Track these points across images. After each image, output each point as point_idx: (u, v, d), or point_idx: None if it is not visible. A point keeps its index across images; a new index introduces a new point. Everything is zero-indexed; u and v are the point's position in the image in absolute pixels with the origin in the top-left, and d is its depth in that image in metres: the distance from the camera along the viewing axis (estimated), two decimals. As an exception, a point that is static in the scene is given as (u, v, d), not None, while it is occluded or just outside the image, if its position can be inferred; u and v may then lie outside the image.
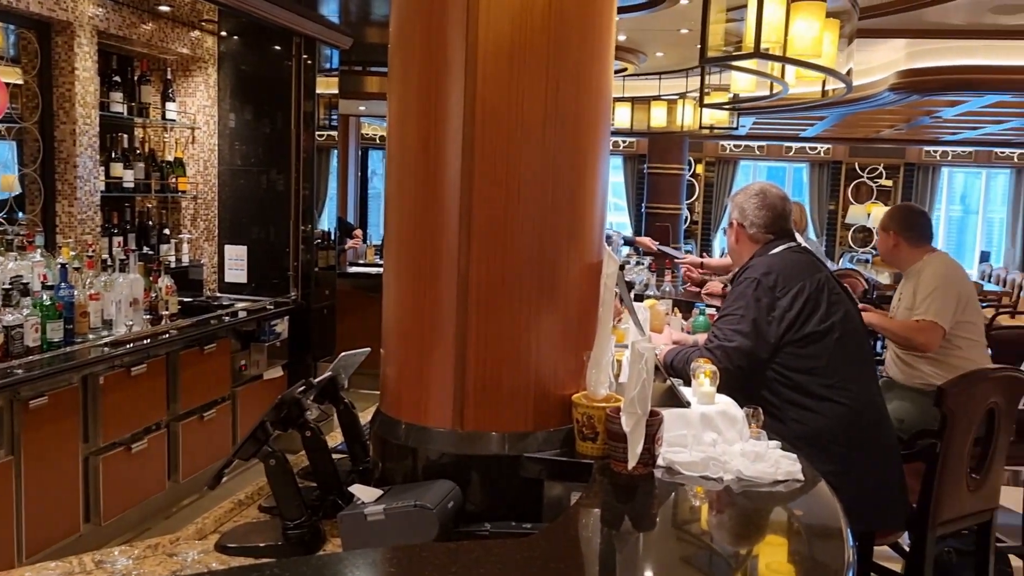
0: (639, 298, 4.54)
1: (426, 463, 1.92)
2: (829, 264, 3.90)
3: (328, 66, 5.73)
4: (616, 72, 7.71)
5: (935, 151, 14.15)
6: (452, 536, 1.74)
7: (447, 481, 1.84)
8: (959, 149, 14.03)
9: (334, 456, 2.06)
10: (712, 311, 3.89)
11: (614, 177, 14.97)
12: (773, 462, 1.89)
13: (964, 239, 14.88)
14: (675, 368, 2.69)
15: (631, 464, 1.79)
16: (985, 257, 14.00)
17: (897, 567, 3.43)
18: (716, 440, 1.97)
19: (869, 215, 13.73)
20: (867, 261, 12.60)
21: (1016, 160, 14.04)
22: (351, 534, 1.72)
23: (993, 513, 3.10)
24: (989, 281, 11.04)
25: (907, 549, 3.15)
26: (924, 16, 5.74)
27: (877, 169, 14.48)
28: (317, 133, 5.63)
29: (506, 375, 1.91)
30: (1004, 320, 8.66)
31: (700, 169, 14.90)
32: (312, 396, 2.06)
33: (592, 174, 1.97)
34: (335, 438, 2.39)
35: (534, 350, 1.92)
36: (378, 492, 1.80)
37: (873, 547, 3.07)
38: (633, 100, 8.02)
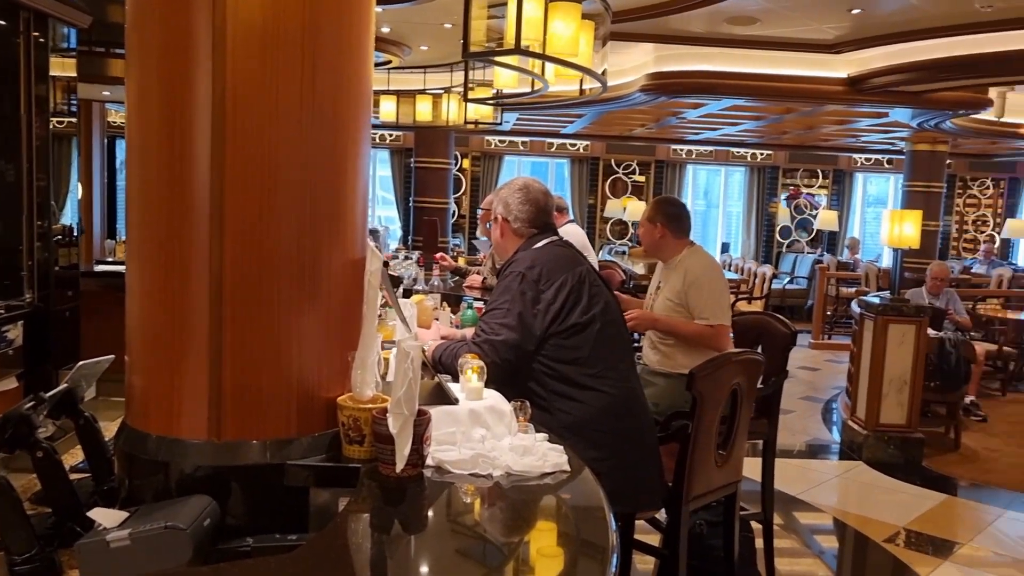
0: (407, 293, 4.51)
1: (180, 478, 1.77)
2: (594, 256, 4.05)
3: (65, 46, 5.23)
4: (380, 65, 7.64)
5: (681, 149, 15.25)
6: (210, 556, 1.62)
7: (203, 496, 1.71)
8: (702, 148, 15.20)
9: (75, 476, 1.86)
10: (480, 304, 3.93)
11: (381, 171, 14.86)
12: (541, 455, 1.92)
13: (707, 231, 16.16)
14: (443, 364, 2.69)
15: (399, 466, 1.74)
16: (726, 248, 15.28)
17: (655, 541, 3.64)
18: (485, 436, 1.97)
19: (625, 209, 14.53)
20: (624, 252, 13.35)
21: (750, 159, 15.42)
22: (92, 565, 1.55)
23: (738, 485, 3.36)
24: (730, 270, 12.05)
25: (663, 524, 3.35)
26: (669, 23, 6.13)
27: (631, 166, 15.37)
28: (56, 120, 5.12)
29: (266, 379, 1.81)
30: (743, 306, 9.49)
31: (467, 164, 15.13)
32: (45, 411, 1.84)
33: (353, 167, 1.90)
34: (77, 455, 2.17)
35: (296, 352, 1.83)
36: (123, 515, 1.63)
37: (634, 524, 3.23)
38: (399, 93, 7.97)
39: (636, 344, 4.10)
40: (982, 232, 15.78)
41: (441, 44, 7.25)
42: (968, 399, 7.28)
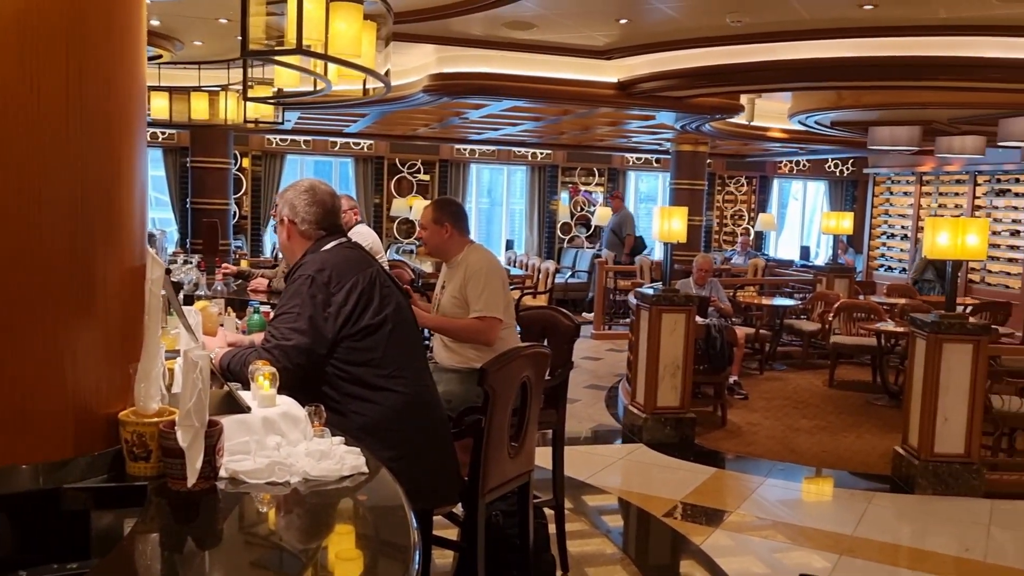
0: (188, 300, 4.31)
1: (-64, 513, 1.62)
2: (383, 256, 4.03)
3: None
4: (151, 59, 7.20)
5: (465, 149, 15.51)
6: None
7: (-36, 531, 1.57)
8: (484, 148, 15.54)
9: None
10: (267, 309, 3.83)
11: (155, 171, 14.00)
12: (338, 458, 1.91)
13: (492, 229, 16.55)
14: (232, 372, 2.60)
15: (191, 480, 1.68)
16: (510, 245, 15.72)
17: (454, 535, 3.71)
18: (280, 443, 1.94)
19: (411, 208, 14.59)
20: (412, 252, 13.39)
21: (530, 158, 15.94)
22: None
23: (531, 475, 3.49)
24: (515, 266, 12.41)
25: (460, 517, 3.42)
26: (450, 25, 6.23)
27: (416, 165, 15.44)
28: None
29: (39, 398, 1.68)
30: (528, 301, 9.80)
31: (247, 163, 14.60)
32: None
33: (128, 170, 1.81)
34: None
35: (70, 367, 1.71)
36: None
37: (432, 521, 3.27)
38: (171, 90, 7.56)
39: (426, 342, 4.14)
40: (739, 226, 17.22)
41: (217, 40, 6.96)
42: (732, 379, 7.92)
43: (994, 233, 12.50)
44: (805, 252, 15.61)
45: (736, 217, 17.30)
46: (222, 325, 3.67)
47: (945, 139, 8.75)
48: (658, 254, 13.92)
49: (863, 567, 4.51)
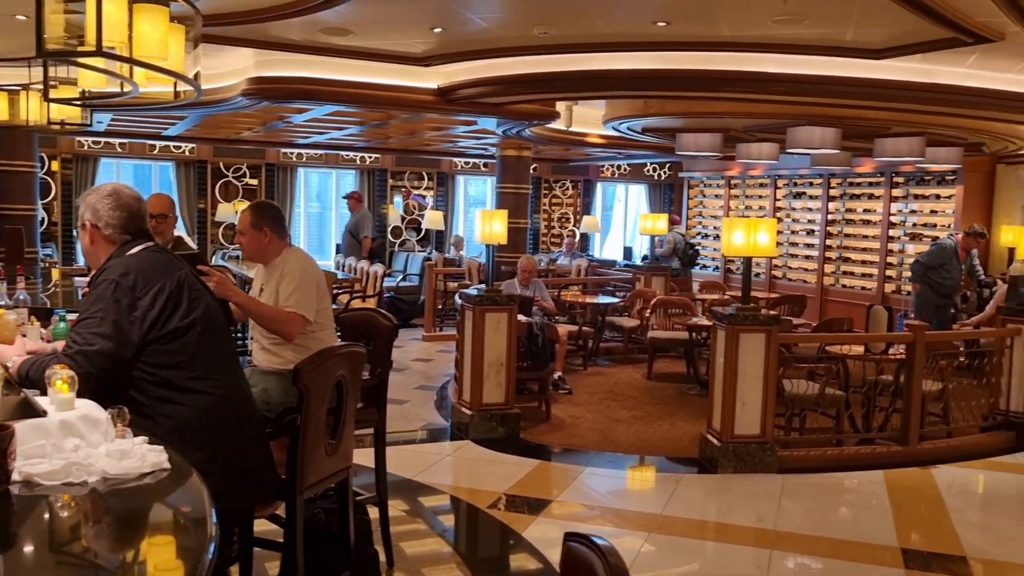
0: (-14, 310, 4.10)
1: None
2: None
3: None
4: (-62, 56, 6.73)
5: (292, 153, 15.26)
6: None
7: None
8: (312, 152, 15.35)
9: None
10: (74, 316, 3.72)
11: (-52, 176, 12.98)
12: (139, 456, 1.95)
13: (323, 233, 16.36)
14: (31, 379, 2.55)
15: (-19, 484, 1.68)
16: (339, 249, 15.57)
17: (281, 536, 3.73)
18: (79, 445, 1.95)
19: (237, 213, 14.21)
20: (238, 257, 13.05)
21: (359, 162, 15.88)
22: None
23: (349, 471, 3.57)
24: (343, 270, 12.34)
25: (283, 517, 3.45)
26: (268, 29, 6.19)
27: (241, 169, 15.06)
28: None
29: None
30: (357, 303, 9.80)
31: (56, 166, 13.78)
32: None
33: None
34: None
35: None
36: None
37: (253, 522, 3.29)
38: (-35, 89, 7.08)
39: (242, 346, 4.14)
40: (565, 228, 17.82)
41: (15, 37, 6.58)
42: (556, 375, 8.25)
43: (793, 232, 13.59)
44: (628, 252, 16.34)
45: (562, 219, 17.90)
46: (24, 335, 3.54)
47: (744, 146, 9.45)
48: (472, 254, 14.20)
49: (670, 542, 4.86)
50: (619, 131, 9.58)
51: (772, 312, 6.96)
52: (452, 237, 15.79)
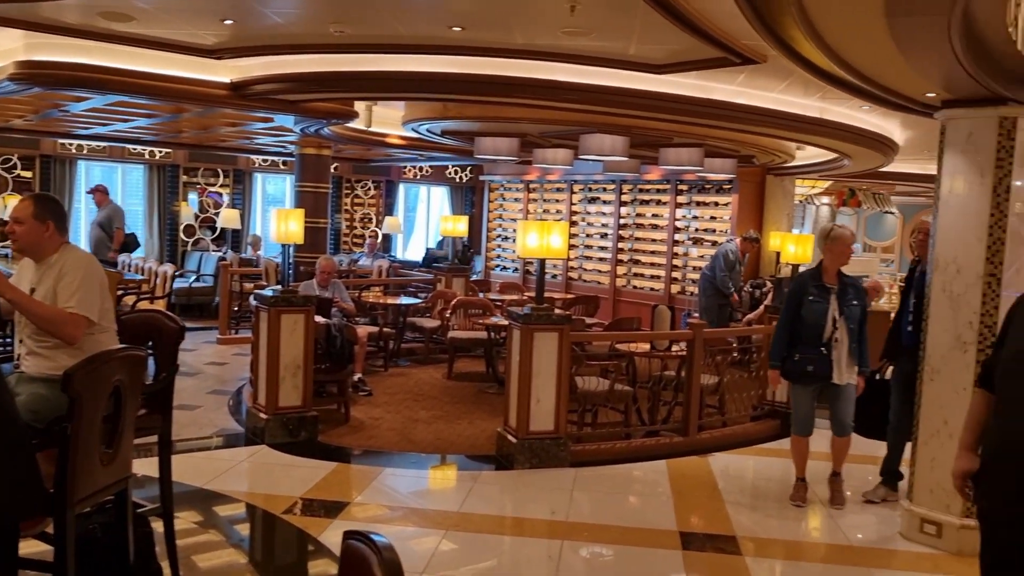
0: None
1: None
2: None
3: None
4: None
5: (71, 144, 14.19)
6: None
7: None
8: (94, 144, 14.33)
9: None
10: None
11: None
12: None
13: (106, 232, 15.32)
14: None
15: None
16: (126, 247, 14.65)
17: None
18: None
19: (7, 207, 13.04)
20: (8, 256, 12.00)
21: (148, 157, 15.01)
22: None
23: (128, 482, 3.38)
24: (130, 270, 11.63)
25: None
26: (40, 10, 5.73)
27: (12, 159, 13.87)
28: None
29: None
30: (145, 305, 9.28)
31: None
32: None
33: None
34: None
35: None
36: None
37: (17, 541, 3.05)
38: None
39: (7, 353, 3.83)
40: (367, 228, 17.69)
41: None
42: (356, 376, 8.18)
43: (588, 235, 14.18)
44: (429, 254, 16.45)
45: (364, 220, 17.75)
46: None
47: (541, 151, 9.76)
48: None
49: (468, 539, 4.95)
50: (419, 133, 9.63)
51: (565, 312, 7.23)
52: (249, 236, 15.28)
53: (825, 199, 17.52)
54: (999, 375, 2.82)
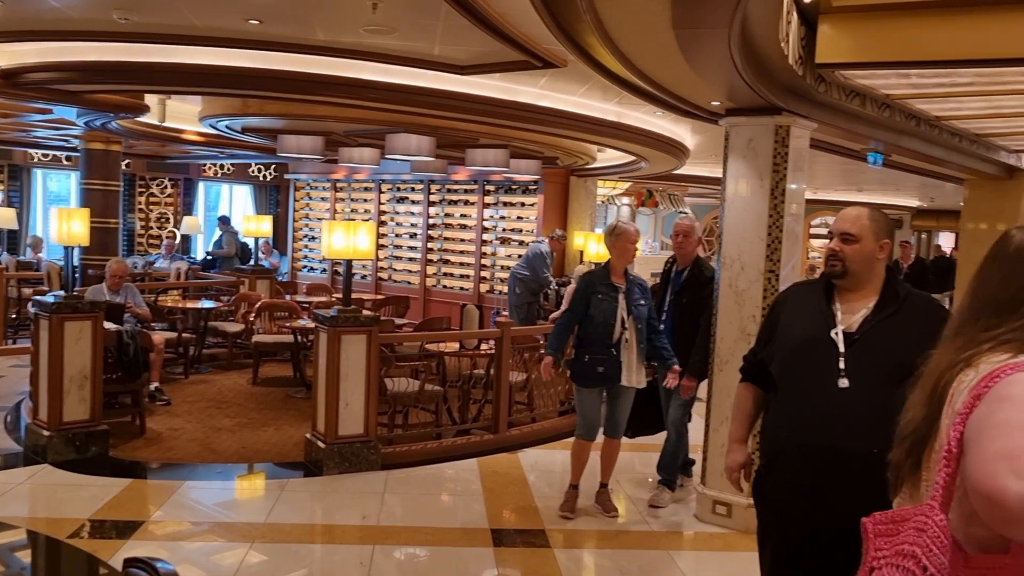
0: None
1: None
2: None
3: None
4: None
5: None
6: None
7: None
8: None
9: None
10: None
11: None
12: None
13: None
14: None
15: None
16: None
17: None
18: None
19: None
20: None
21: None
22: None
23: None
24: None
25: None
26: None
27: None
28: None
29: None
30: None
31: None
32: None
33: None
34: None
35: None
36: None
37: None
38: None
39: None
40: (164, 229, 16.74)
41: None
42: (152, 386, 7.72)
43: (397, 235, 14.10)
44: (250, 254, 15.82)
45: (161, 220, 16.79)
46: None
47: (347, 150, 9.59)
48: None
49: (276, 549, 4.79)
50: (218, 129, 9.21)
51: (374, 313, 7.15)
52: (28, 238, 14.08)
53: (625, 199, 18.36)
54: (781, 368, 2.79)
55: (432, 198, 13.53)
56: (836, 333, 2.65)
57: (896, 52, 4.18)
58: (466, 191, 13.12)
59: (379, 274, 14.21)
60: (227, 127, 8.93)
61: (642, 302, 5.35)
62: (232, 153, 13.18)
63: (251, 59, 6.11)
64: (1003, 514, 1.23)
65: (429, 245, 13.56)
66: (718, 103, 5.33)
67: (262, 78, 6.24)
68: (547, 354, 5.52)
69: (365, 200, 14.51)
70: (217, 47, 5.93)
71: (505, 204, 12.65)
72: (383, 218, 14.23)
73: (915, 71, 4.70)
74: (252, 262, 11.91)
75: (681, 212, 19.02)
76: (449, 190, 13.33)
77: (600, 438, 5.56)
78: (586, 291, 5.36)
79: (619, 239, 5.37)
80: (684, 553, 5.12)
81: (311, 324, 8.49)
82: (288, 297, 10.90)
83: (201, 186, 17.38)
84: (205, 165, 16.72)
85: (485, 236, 12.85)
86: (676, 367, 5.42)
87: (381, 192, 14.21)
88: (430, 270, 13.55)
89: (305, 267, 15.43)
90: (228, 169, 17.03)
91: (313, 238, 15.27)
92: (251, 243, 12.36)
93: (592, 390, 5.42)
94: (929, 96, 5.66)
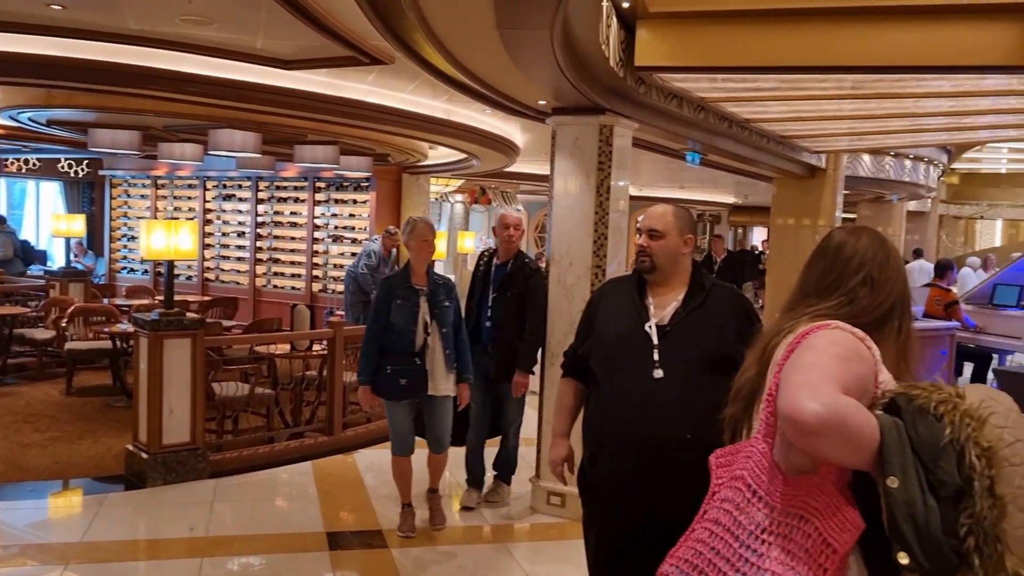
0: None
1: None
2: None
3: None
4: None
5: None
6: None
7: None
8: None
9: None
10: None
11: None
12: None
13: None
14: None
15: None
16: None
17: None
18: None
19: None
20: None
21: None
22: None
23: None
24: None
25: None
26: None
27: None
28: None
29: None
30: None
31: None
32: None
33: None
34: None
35: None
36: None
37: None
38: None
39: None
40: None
41: None
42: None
43: (224, 234, 13.58)
44: (42, 257, 14.73)
45: (-44, 220, 15.40)
46: None
47: (167, 146, 9.13)
48: None
49: (96, 570, 4.51)
50: (20, 122, 8.55)
51: (199, 316, 6.86)
52: None
53: (459, 197, 18.48)
54: (599, 362, 2.88)
55: (261, 195, 13.13)
56: (650, 326, 2.78)
57: (708, 58, 4.43)
58: (296, 188, 12.81)
59: (206, 275, 13.65)
60: (30, 119, 8.30)
61: (447, 303, 4.95)
62: (38, 147, 12.27)
63: (54, 47, 5.70)
64: (800, 428, 1.46)
65: (258, 244, 13.15)
66: (545, 102, 5.45)
67: (68, 68, 5.82)
68: (361, 382, 4.95)
69: (189, 198, 13.88)
70: (15, 33, 5.50)
71: (337, 201, 12.44)
72: (209, 216, 13.67)
73: (725, 76, 4.99)
74: (66, 264, 11.14)
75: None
76: (278, 187, 12.97)
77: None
78: (386, 297, 4.91)
79: (413, 237, 4.92)
80: (520, 545, 5.21)
81: (132, 328, 8.08)
82: (106, 300, 10.29)
83: (2, 182, 16.09)
84: (7, 160, 15.47)
85: (317, 234, 12.60)
86: (466, 382, 5.04)
87: (206, 189, 13.64)
88: (260, 270, 13.14)
89: (125, 268, 14.59)
90: (34, 164, 15.82)
91: (133, 238, 14.45)
92: (61, 244, 11.55)
93: (401, 403, 4.96)
94: (738, 100, 6.02)
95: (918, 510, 1.43)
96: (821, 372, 1.55)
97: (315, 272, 12.59)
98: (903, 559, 1.42)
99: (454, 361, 4.97)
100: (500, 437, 5.83)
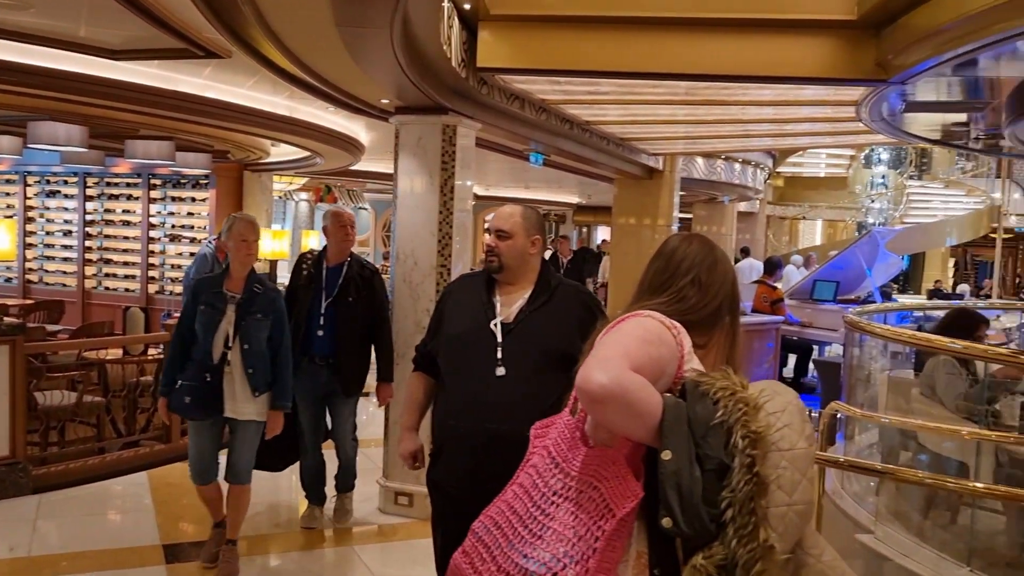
0: None
1: None
2: None
3: None
4: None
5: None
6: None
7: None
8: None
9: None
10: None
11: None
12: None
13: None
14: None
15: None
16: None
17: None
18: None
19: None
20: None
21: None
22: None
23: None
24: None
25: None
26: None
27: None
28: None
29: None
30: None
31: None
32: None
33: None
34: None
35: None
36: None
37: None
38: None
39: None
40: None
41: None
42: None
43: (48, 233, 12.75)
44: None
45: None
46: None
47: (-21, 138, 8.49)
48: None
49: None
50: None
51: (19, 320, 6.42)
52: None
53: (304, 195, 18.10)
54: (446, 358, 2.92)
55: (89, 192, 12.39)
56: (495, 324, 2.84)
57: (546, 60, 4.54)
58: (129, 185, 12.17)
59: (27, 276, 12.77)
60: None
61: (260, 316, 4.33)
62: None
63: None
64: (585, 396, 1.57)
65: (87, 243, 12.41)
66: (388, 101, 5.42)
67: None
68: (161, 393, 4.53)
69: (8, 195, 12.94)
70: None
71: (174, 199, 11.91)
72: (31, 214, 12.80)
73: (564, 78, 5.12)
74: None
75: (361, 207, 19.13)
76: (109, 184, 12.28)
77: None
78: (193, 300, 4.37)
79: (230, 235, 4.37)
80: (368, 547, 5.17)
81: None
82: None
83: None
84: None
85: (152, 233, 12.02)
86: (281, 409, 4.44)
87: (27, 185, 12.76)
88: (89, 271, 12.41)
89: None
90: None
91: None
92: None
93: (203, 423, 4.40)
94: (578, 102, 6.19)
95: (684, 480, 1.55)
96: (617, 349, 1.68)
97: (151, 273, 12.00)
98: (667, 523, 1.54)
99: (262, 383, 4.34)
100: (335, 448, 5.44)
